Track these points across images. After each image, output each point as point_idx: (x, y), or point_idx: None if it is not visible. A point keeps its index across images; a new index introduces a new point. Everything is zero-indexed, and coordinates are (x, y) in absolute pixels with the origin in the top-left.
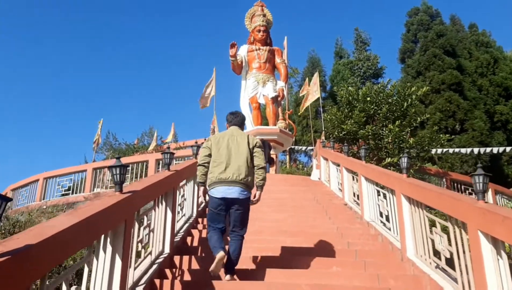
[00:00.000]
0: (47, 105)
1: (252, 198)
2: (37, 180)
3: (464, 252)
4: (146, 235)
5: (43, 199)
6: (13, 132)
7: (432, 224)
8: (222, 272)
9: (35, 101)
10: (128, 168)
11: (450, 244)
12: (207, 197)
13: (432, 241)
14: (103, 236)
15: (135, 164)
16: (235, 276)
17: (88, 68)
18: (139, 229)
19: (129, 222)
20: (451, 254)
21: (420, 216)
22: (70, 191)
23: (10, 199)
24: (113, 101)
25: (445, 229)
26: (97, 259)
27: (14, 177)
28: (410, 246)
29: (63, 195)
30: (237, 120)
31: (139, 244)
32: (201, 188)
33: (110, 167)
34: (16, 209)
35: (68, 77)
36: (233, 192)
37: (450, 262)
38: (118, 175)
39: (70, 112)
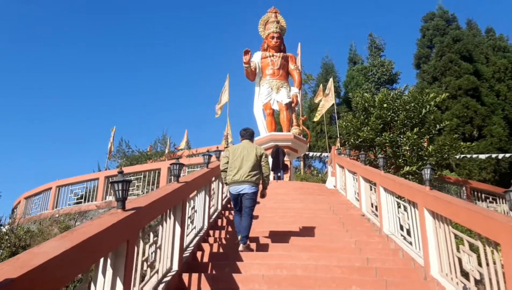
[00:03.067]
0: (60, 111)
1: (260, 196)
2: (50, 188)
3: (496, 274)
4: (152, 253)
5: (56, 207)
6: (26, 138)
7: (459, 241)
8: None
9: (48, 107)
10: (140, 176)
11: (480, 265)
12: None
13: (459, 259)
14: (102, 259)
15: (148, 172)
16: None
17: (102, 75)
18: (144, 247)
19: (132, 241)
20: (481, 274)
21: (446, 232)
22: (83, 199)
23: None
24: (127, 108)
25: (474, 248)
26: (95, 285)
27: (28, 184)
28: (434, 263)
29: (75, 203)
30: (248, 134)
31: (145, 263)
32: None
33: (112, 183)
34: (29, 218)
35: (83, 84)
36: (244, 188)
37: (479, 283)
38: (120, 191)
39: (83, 118)
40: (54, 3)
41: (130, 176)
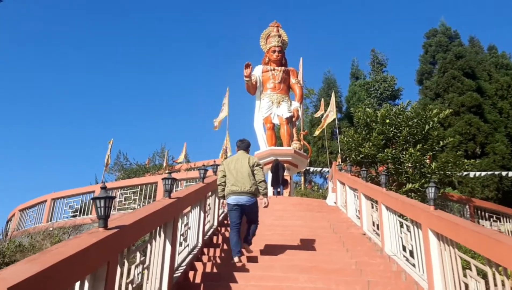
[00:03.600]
0: (58, 123)
1: (262, 205)
2: (45, 201)
3: None
4: (138, 274)
5: (50, 220)
6: (23, 145)
7: (464, 261)
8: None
9: (46, 111)
10: (137, 190)
11: None
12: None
13: (466, 285)
14: (78, 283)
15: (144, 185)
16: (250, 247)
17: (102, 78)
18: (129, 267)
19: (113, 263)
20: None
21: (451, 255)
22: (78, 213)
23: None
24: (125, 120)
25: (482, 273)
26: None
27: (24, 196)
28: (440, 288)
29: (72, 216)
30: (243, 145)
31: (130, 285)
32: (222, 200)
33: (94, 199)
34: (23, 231)
35: (82, 86)
36: (242, 199)
37: None
38: (102, 208)
39: (81, 131)
40: (54, 3)
41: (127, 190)
